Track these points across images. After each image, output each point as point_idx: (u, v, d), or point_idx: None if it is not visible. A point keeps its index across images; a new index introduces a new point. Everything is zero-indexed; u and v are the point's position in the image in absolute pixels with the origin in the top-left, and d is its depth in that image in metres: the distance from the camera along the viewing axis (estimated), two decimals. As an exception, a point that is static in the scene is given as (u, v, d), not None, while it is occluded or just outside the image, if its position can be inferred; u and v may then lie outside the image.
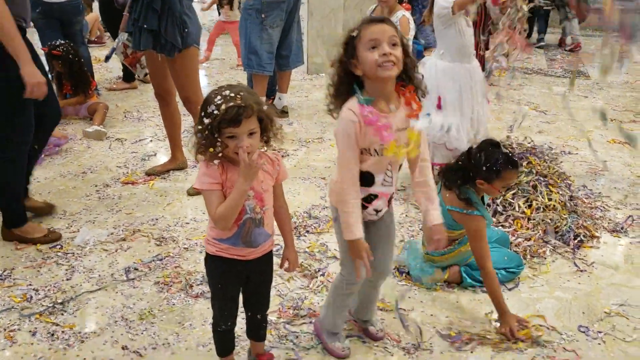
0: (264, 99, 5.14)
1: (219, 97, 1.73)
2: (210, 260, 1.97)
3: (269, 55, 4.96)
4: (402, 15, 5.26)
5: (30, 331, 2.42)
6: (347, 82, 1.95)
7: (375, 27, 1.87)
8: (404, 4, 5.53)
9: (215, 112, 1.71)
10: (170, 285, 2.74)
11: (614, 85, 6.75)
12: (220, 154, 1.78)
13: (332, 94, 2.00)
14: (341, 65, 1.95)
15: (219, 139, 1.74)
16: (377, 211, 2.10)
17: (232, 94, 1.74)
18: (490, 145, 2.56)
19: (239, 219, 1.86)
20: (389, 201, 2.13)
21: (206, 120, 1.72)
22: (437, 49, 3.77)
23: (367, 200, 2.05)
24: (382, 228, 2.18)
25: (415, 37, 5.94)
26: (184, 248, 3.07)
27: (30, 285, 2.72)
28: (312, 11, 6.61)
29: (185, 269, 2.88)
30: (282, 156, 4.41)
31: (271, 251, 2.03)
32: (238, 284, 2.00)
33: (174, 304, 2.61)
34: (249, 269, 1.97)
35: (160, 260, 2.95)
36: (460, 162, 2.60)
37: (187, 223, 3.35)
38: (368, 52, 1.86)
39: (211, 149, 1.75)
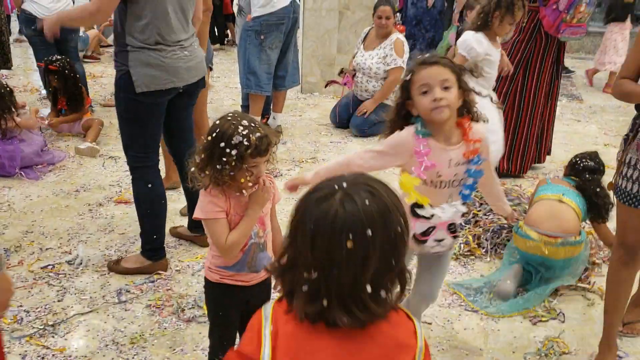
0: (258, 118, 5.16)
1: (241, 128, 1.74)
2: (213, 288, 1.96)
3: (268, 76, 4.99)
4: (397, 38, 5.33)
5: (20, 354, 2.39)
6: (403, 120, 2.00)
7: (425, 71, 1.88)
8: (397, 26, 5.59)
9: (246, 142, 1.72)
10: (162, 309, 2.71)
11: (607, 110, 6.81)
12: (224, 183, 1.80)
13: (386, 132, 2.04)
14: (397, 107, 1.99)
15: (250, 170, 1.77)
16: (438, 241, 2.07)
17: (252, 124, 1.77)
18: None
19: (244, 245, 1.88)
20: (453, 232, 2.08)
21: (233, 152, 1.72)
22: None
23: (425, 234, 2.04)
24: (437, 263, 2.22)
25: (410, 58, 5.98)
26: (176, 270, 3.05)
27: (21, 306, 2.69)
28: (307, 32, 6.64)
29: (177, 291, 2.85)
30: (275, 176, 4.41)
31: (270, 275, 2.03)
32: (239, 310, 2.00)
33: (165, 328, 2.59)
34: (249, 294, 1.97)
35: (152, 282, 2.93)
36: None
37: (179, 244, 3.33)
38: (420, 96, 1.88)
39: (242, 179, 1.77)
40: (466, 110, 1.96)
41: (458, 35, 6.40)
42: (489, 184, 2.17)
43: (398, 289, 1.11)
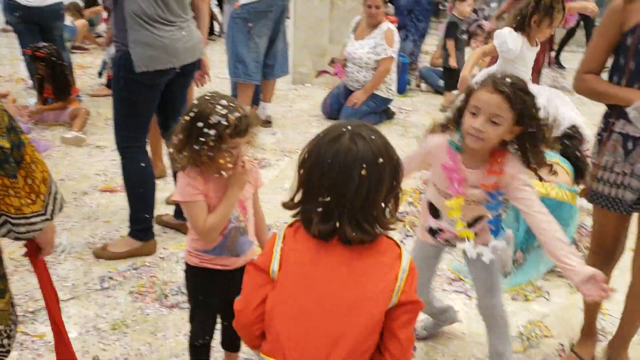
0: (248, 107, 5.12)
1: (219, 107, 1.70)
2: (193, 273, 1.94)
3: (256, 65, 4.94)
4: (387, 27, 5.29)
5: (-2, 340, 2.36)
6: (458, 120, 1.89)
7: (483, 95, 1.77)
8: (389, 16, 5.56)
9: (224, 122, 1.69)
10: (145, 295, 2.69)
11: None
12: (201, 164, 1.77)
13: (449, 119, 1.94)
14: (460, 105, 1.89)
15: (229, 150, 1.73)
16: (448, 241, 2.08)
17: (232, 104, 1.73)
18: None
19: (224, 228, 1.85)
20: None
21: (211, 132, 1.69)
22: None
23: (433, 232, 2.06)
24: (477, 267, 2.09)
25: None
26: (160, 257, 3.02)
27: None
28: (298, 21, 6.59)
29: (160, 278, 2.83)
30: (264, 166, 4.39)
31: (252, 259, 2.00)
32: (220, 294, 1.97)
33: (147, 314, 2.56)
34: (230, 279, 1.94)
35: (136, 269, 2.90)
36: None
37: (164, 232, 3.30)
38: (468, 114, 1.80)
39: (221, 160, 1.74)
40: (517, 147, 1.82)
41: (448, 27, 6.41)
42: (536, 227, 1.85)
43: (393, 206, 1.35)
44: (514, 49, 3.56)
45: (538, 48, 3.71)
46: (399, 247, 1.36)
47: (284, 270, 1.35)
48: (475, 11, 7.47)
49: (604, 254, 2.18)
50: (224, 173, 1.78)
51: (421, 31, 7.14)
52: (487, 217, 1.99)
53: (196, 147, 1.72)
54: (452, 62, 6.14)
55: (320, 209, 1.28)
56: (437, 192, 1.98)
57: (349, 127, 1.30)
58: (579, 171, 3.24)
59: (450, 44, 6.23)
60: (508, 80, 1.75)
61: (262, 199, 3.74)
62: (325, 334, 1.30)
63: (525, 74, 3.78)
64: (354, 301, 1.30)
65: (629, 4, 1.93)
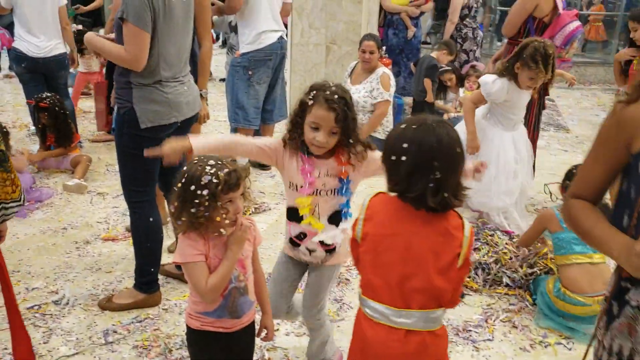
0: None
1: (208, 168, 1.75)
2: (195, 336, 1.95)
3: (256, 110, 5.02)
4: (383, 72, 5.38)
5: (3, 399, 2.36)
6: (299, 132, 2.06)
7: (321, 112, 1.97)
8: (383, 59, 5.66)
9: (215, 180, 1.73)
10: (150, 349, 2.70)
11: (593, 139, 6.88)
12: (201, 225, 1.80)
13: (290, 132, 2.11)
14: (294, 119, 2.07)
15: (225, 207, 1.77)
16: (310, 251, 2.18)
17: (219, 162, 1.78)
18: None
19: (224, 289, 1.87)
20: (326, 246, 2.17)
21: (205, 192, 1.73)
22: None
23: (299, 237, 2.17)
24: (313, 275, 2.30)
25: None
26: (163, 309, 3.03)
27: (5, 349, 2.66)
28: (294, 66, 6.71)
29: (164, 331, 2.84)
30: (264, 210, 4.41)
31: (254, 321, 2.02)
32: (223, 357, 1.98)
33: (152, 370, 2.57)
34: (232, 342, 1.95)
35: (140, 322, 2.91)
36: None
37: (167, 282, 3.31)
38: (309, 128, 2.01)
39: (219, 218, 1.77)
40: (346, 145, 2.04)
41: (429, 68, 6.61)
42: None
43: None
44: (499, 94, 3.65)
45: (530, 90, 3.81)
46: (461, 219, 1.64)
47: (368, 232, 1.66)
48: (465, 52, 7.64)
49: None
50: (223, 231, 1.82)
51: (410, 69, 7.45)
52: (342, 209, 2.16)
53: (192, 210, 1.76)
54: (430, 98, 6.57)
55: (432, 185, 1.54)
56: (294, 191, 2.12)
57: (425, 119, 1.61)
58: None
59: (428, 83, 6.53)
60: (336, 96, 1.97)
61: (262, 245, 3.75)
62: (404, 276, 1.61)
63: (518, 116, 3.89)
64: (425, 252, 1.61)
65: (635, 109, 1.32)
